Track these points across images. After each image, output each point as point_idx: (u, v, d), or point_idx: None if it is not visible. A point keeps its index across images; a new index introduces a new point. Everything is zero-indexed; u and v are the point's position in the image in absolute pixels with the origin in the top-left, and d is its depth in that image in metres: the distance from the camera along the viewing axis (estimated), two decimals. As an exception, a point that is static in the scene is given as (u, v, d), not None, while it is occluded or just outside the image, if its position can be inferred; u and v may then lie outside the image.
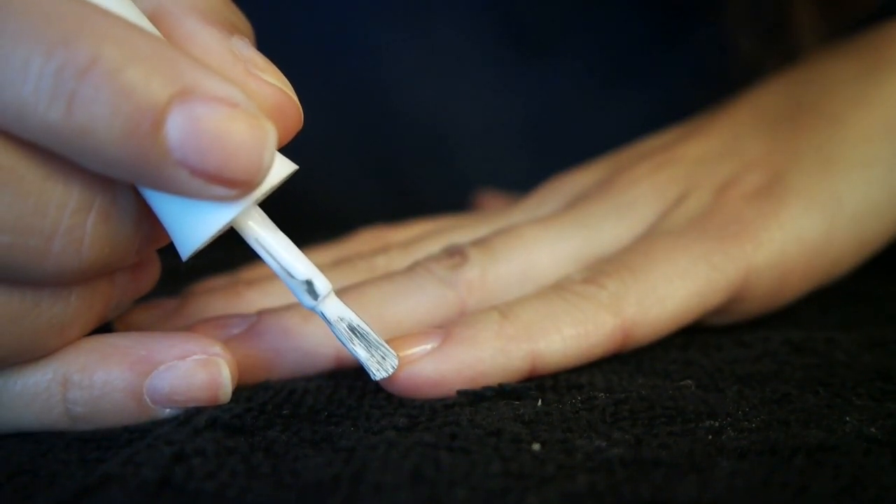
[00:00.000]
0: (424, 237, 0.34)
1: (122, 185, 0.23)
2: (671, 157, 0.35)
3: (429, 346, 0.26)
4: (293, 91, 0.24)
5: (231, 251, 0.32)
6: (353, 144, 0.54)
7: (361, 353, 0.25)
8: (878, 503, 0.20)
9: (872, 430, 0.23)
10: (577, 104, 0.54)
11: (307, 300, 0.24)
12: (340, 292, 0.29)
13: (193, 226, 0.22)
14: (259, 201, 0.24)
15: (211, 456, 0.22)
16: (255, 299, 0.31)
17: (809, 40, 0.45)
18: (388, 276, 0.30)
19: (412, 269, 0.30)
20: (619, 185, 0.34)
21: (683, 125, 0.38)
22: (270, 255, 0.24)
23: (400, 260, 0.32)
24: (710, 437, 0.23)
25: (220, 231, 0.23)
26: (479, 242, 0.31)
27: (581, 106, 0.53)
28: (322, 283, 0.24)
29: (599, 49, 0.53)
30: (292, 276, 0.24)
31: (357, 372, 0.28)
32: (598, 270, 0.29)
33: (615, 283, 0.28)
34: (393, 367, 0.25)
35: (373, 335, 0.25)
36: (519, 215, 0.35)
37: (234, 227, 0.24)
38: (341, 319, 0.25)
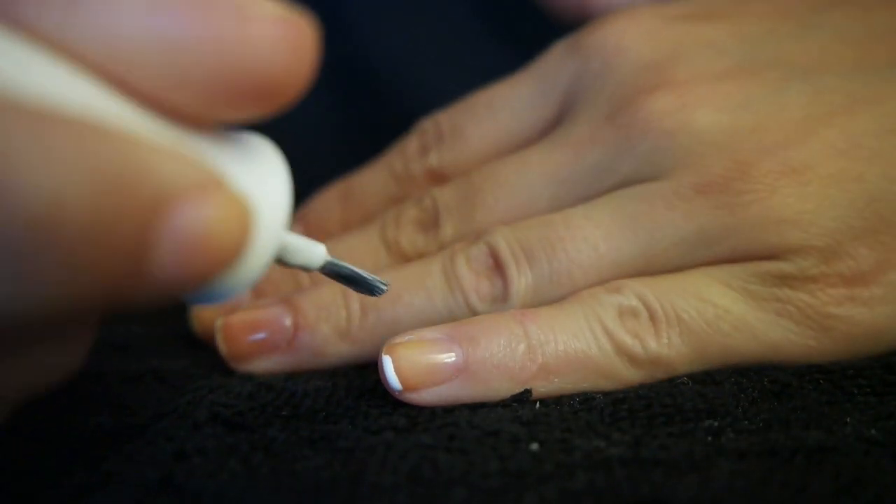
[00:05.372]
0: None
1: None
2: None
3: (448, 358, 0.26)
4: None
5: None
6: (352, 141, 0.54)
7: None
8: (877, 503, 0.20)
9: (872, 431, 0.23)
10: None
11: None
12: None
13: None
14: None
15: (211, 454, 0.22)
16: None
17: None
18: (427, 289, 0.29)
19: (451, 288, 0.29)
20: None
21: None
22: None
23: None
24: (709, 437, 0.23)
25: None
26: (529, 283, 0.29)
27: None
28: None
29: None
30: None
31: (356, 372, 0.28)
32: (646, 321, 0.27)
33: (657, 345, 0.27)
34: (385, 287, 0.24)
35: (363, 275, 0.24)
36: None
37: None
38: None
